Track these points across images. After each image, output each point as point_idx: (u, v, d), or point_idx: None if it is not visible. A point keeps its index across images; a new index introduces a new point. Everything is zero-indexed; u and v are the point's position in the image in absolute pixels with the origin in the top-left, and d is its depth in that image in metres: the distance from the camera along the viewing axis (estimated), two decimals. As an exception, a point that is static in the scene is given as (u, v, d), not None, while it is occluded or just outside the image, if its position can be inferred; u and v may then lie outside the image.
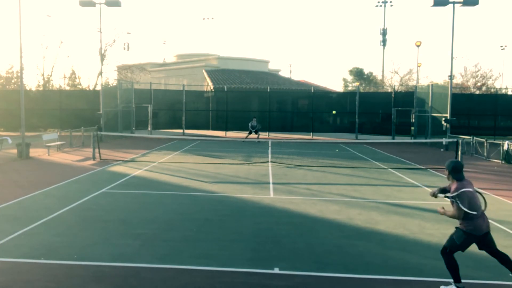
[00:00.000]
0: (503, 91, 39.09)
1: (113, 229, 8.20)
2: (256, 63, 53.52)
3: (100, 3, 25.93)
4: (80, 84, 45.39)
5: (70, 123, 28.65)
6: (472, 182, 5.83)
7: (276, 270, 6.28)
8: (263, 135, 29.73)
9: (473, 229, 5.58)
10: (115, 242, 7.44)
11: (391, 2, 58.20)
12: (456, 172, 5.66)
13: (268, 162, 17.63)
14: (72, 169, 15.20)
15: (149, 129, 32.75)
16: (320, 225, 8.71)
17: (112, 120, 28.35)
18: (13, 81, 40.28)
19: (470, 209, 5.53)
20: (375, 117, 32.96)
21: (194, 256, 6.82)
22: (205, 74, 45.37)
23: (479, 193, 5.84)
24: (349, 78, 58.93)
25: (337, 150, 23.22)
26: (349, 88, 56.58)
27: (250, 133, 27.34)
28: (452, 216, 5.70)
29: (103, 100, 26.85)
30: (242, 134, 31.75)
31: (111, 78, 45.80)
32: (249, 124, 27.82)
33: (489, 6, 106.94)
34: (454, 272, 5.71)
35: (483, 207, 5.71)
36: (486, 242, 5.71)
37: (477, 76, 45.89)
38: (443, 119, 24.60)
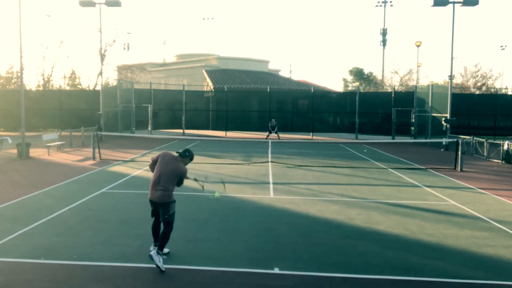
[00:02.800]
0: (503, 91, 39.11)
1: (113, 229, 8.20)
2: (256, 63, 53.52)
3: (100, 3, 25.93)
4: (80, 84, 45.38)
5: (70, 123, 28.61)
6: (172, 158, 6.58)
7: (276, 270, 6.28)
8: (263, 135, 29.72)
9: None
10: (115, 242, 7.44)
11: (391, 2, 58.22)
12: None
13: (268, 162, 17.62)
14: (72, 169, 15.20)
15: (149, 129, 32.75)
16: (320, 225, 8.71)
17: (112, 120, 28.34)
18: (13, 81, 40.26)
19: None
20: (375, 117, 32.95)
21: (194, 256, 6.82)
22: (205, 74, 45.38)
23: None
24: (349, 78, 58.86)
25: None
26: (349, 88, 56.52)
27: (270, 133, 28.90)
28: None
29: (103, 100, 26.84)
30: (242, 134, 31.80)
31: (111, 78, 45.83)
32: (269, 124, 29.57)
33: (489, 6, 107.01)
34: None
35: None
36: (156, 211, 6.65)
37: (477, 76, 45.93)
38: (443, 119, 24.59)
